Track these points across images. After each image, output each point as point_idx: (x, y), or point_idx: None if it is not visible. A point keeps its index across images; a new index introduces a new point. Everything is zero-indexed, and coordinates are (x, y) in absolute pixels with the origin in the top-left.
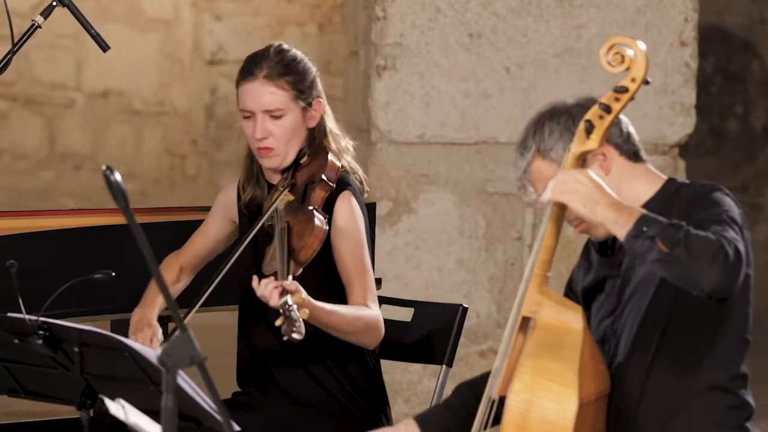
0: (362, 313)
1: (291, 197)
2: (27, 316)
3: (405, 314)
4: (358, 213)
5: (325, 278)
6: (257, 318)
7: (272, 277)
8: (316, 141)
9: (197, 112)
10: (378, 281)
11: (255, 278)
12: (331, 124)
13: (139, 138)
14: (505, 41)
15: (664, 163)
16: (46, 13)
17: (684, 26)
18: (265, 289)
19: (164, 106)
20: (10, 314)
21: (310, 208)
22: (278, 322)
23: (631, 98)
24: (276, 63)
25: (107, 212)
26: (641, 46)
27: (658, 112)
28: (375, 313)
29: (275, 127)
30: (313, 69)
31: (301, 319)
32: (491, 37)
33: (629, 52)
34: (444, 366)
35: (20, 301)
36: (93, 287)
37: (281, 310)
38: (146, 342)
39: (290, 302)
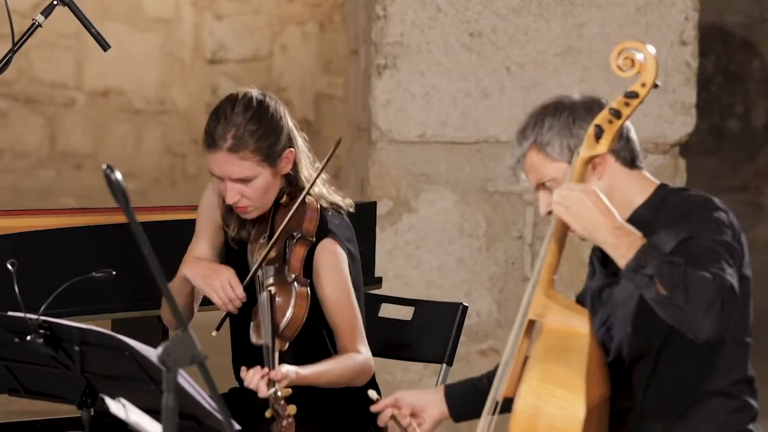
0: (351, 363)
1: (273, 254)
2: (27, 315)
3: (405, 313)
4: (341, 258)
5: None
6: (247, 316)
7: (258, 368)
8: (292, 182)
9: (198, 111)
10: (378, 280)
11: (243, 369)
12: (302, 167)
13: (139, 137)
14: (505, 40)
15: (664, 163)
16: (47, 12)
17: (684, 25)
18: (252, 381)
19: (165, 105)
20: (10, 313)
21: (292, 277)
22: (268, 414)
23: (641, 102)
24: (241, 131)
25: (107, 211)
26: (651, 50)
27: (658, 111)
28: (364, 357)
29: (247, 189)
30: (282, 117)
31: (291, 416)
32: (492, 36)
33: (639, 57)
34: (444, 365)
35: (20, 300)
36: (93, 286)
37: (270, 402)
38: (226, 285)
39: (279, 394)
